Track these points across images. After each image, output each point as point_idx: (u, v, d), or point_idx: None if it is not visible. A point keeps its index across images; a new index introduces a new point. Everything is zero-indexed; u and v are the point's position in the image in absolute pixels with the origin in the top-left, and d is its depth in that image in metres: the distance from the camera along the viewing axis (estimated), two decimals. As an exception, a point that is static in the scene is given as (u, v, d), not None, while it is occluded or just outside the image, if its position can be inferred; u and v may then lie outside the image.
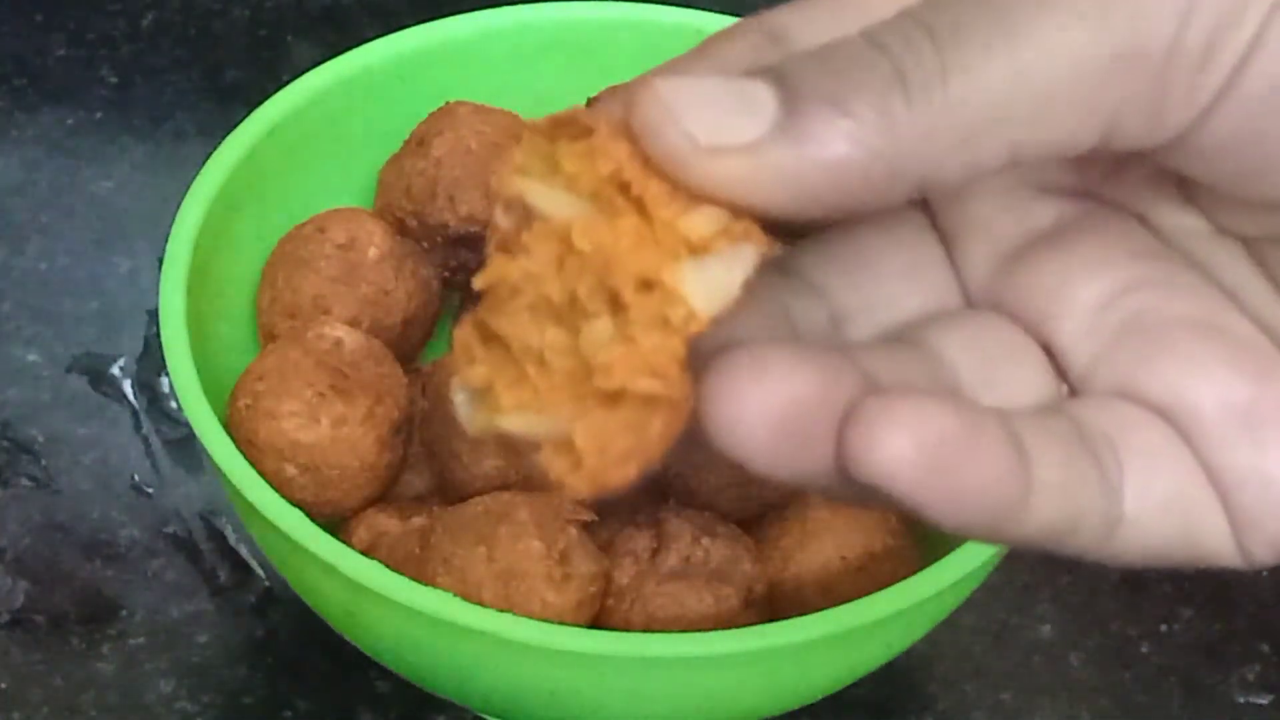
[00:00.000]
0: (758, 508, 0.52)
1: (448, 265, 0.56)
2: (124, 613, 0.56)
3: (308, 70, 0.57)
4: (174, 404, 0.60)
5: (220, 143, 0.54)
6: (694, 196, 0.26)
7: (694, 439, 0.26)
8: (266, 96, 0.56)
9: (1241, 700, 0.56)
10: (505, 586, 0.47)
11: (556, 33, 0.59)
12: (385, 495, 0.52)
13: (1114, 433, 0.28)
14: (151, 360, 0.62)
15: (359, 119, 0.57)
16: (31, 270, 0.65)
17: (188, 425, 0.48)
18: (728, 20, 0.59)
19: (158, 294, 0.50)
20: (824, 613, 0.46)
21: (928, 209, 0.31)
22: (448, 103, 0.57)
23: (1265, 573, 0.59)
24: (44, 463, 0.59)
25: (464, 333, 0.28)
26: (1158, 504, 0.28)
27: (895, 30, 0.26)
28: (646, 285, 0.26)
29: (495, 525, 0.48)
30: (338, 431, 0.50)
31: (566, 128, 0.27)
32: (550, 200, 0.27)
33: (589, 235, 0.27)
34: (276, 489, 0.47)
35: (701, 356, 0.26)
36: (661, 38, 0.59)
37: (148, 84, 0.72)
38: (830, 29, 0.28)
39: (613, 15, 0.59)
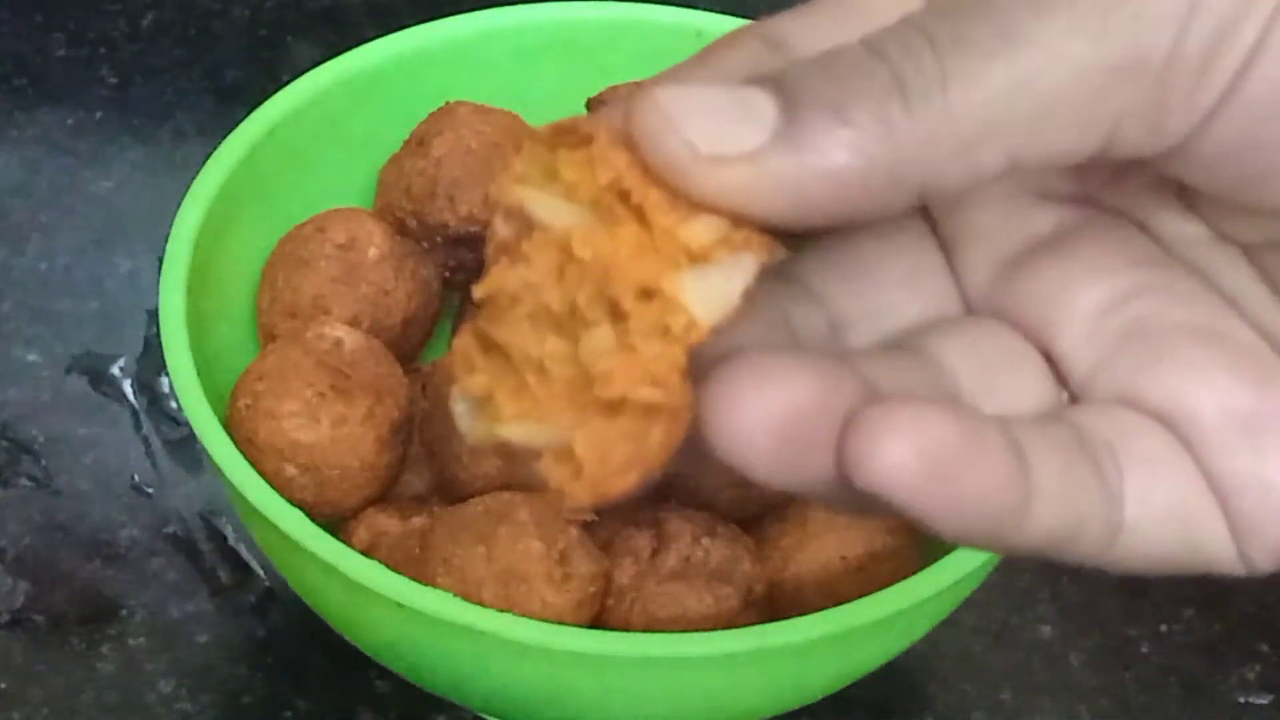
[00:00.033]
0: (758, 508, 0.52)
1: (448, 265, 0.56)
2: (124, 613, 0.56)
3: (308, 70, 0.56)
4: (174, 404, 0.60)
5: (220, 143, 0.54)
6: (694, 205, 0.26)
7: (695, 447, 0.26)
8: (266, 96, 0.56)
9: (1241, 700, 0.56)
10: (505, 586, 0.47)
11: (556, 33, 0.59)
12: (385, 495, 0.52)
13: (1114, 440, 0.28)
14: (151, 360, 0.62)
15: (359, 119, 0.57)
16: (31, 270, 0.65)
17: (188, 425, 0.48)
18: (728, 20, 0.59)
19: (158, 294, 0.50)
20: (824, 613, 0.46)
21: (928, 216, 0.31)
22: (448, 103, 0.57)
23: (1265, 573, 0.59)
24: (44, 463, 0.59)
25: (464, 342, 0.28)
26: (1158, 511, 0.28)
27: (895, 38, 0.26)
28: (647, 294, 0.26)
29: (495, 525, 0.48)
30: (338, 431, 0.50)
31: (566, 136, 0.27)
32: (550, 209, 0.27)
33: (589, 244, 0.27)
34: (276, 489, 0.47)
35: (702, 365, 0.26)
36: (661, 38, 0.59)
37: (148, 84, 0.72)
38: (830, 36, 0.28)
39: (613, 15, 0.59)
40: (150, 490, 0.59)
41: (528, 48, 0.59)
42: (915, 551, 0.51)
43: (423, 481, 0.54)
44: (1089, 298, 0.30)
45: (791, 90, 0.26)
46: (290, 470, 0.49)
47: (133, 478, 0.59)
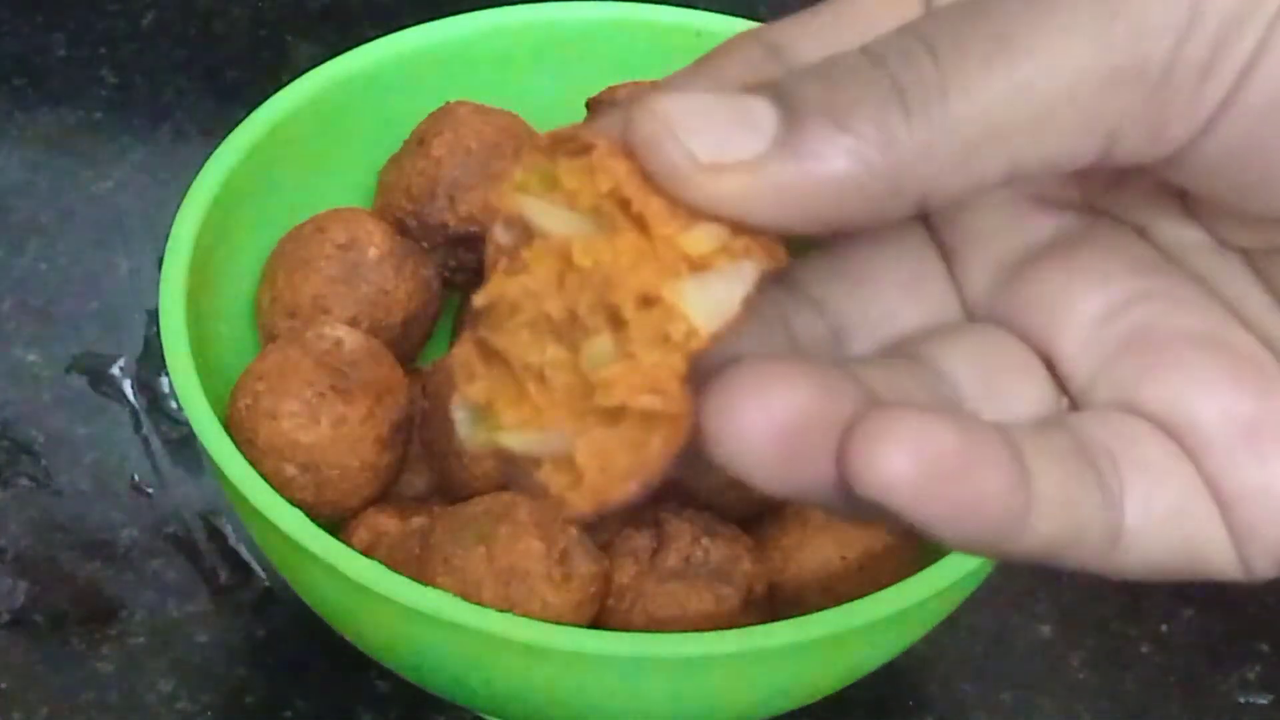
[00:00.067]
0: (758, 508, 0.52)
1: (448, 265, 0.56)
2: (124, 613, 0.56)
3: (308, 70, 0.56)
4: (174, 404, 0.60)
5: (220, 143, 0.54)
6: (694, 213, 0.26)
7: (695, 454, 0.26)
8: (266, 96, 0.56)
9: (1241, 700, 0.56)
10: (505, 586, 0.47)
11: (556, 33, 0.59)
12: (385, 495, 0.52)
13: (1115, 446, 0.28)
14: (151, 360, 0.62)
15: (359, 119, 0.57)
16: (31, 270, 0.65)
17: (188, 425, 0.48)
18: (728, 20, 0.59)
19: (158, 294, 0.50)
20: (824, 613, 0.46)
21: (928, 222, 0.31)
22: (448, 103, 0.57)
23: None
24: (44, 463, 0.59)
25: (464, 350, 0.28)
26: (1159, 517, 0.28)
27: (895, 45, 0.26)
28: (647, 302, 0.26)
29: (495, 525, 0.48)
30: (338, 431, 0.50)
31: (566, 144, 0.27)
32: (550, 217, 0.27)
33: (589, 252, 0.27)
34: (276, 489, 0.47)
35: (702, 372, 0.26)
36: (661, 38, 0.59)
37: (148, 84, 0.72)
38: (830, 43, 0.28)
39: (613, 15, 0.59)
40: (150, 490, 0.59)
41: (528, 48, 0.59)
42: (915, 551, 0.51)
43: (423, 481, 0.54)
44: (1089, 304, 0.30)
45: (791, 98, 0.26)
46: (290, 470, 0.49)
47: (133, 478, 0.59)
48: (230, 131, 0.54)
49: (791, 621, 0.46)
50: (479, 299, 0.28)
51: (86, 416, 0.61)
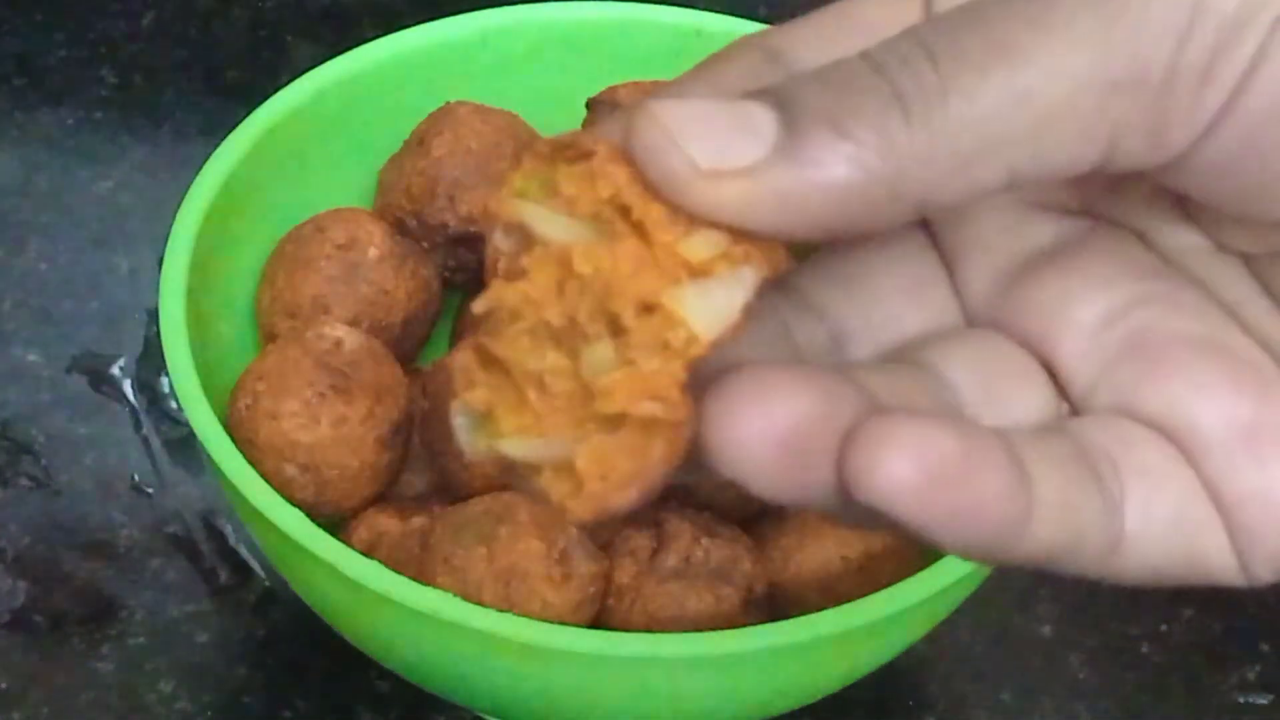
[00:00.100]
0: (758, 508, 0.52)
1: (448, 265, 0.56)
2: (124, 613, 0.56)
3: (308, 70, 0.56)
4: (174, 404, 0.60)
5: (220, 143, 0.54)
6: (694, 220, 0.26)
7: (695, 461, 0.26)
8: (266, 96, 0.56)
9: (1241, 700, 0.56)
10: (505, 586, 0.47)
11: (556, 33, 0.59)
12: (385, 495, 0.52)
13: (1115, 451, 0.28)
14: (151, 360, 0.62)
15: (359, 119, 0.57)
16: (31, 270, 0.65)
17: (188, 425, 0.48)
18: (728, 20, 0.59)
19: (158, 294, 0.50)
20: (824, 613, 0.46)
21: (928, 227, 0.31)
22: (448, 103, 0.57)
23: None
24: (44, 463, 0.59)
25: (464, 357, 0.28)
26: (1160, 523, 0.28)
27: (895, 52, 0.26)
28: (647, 309, 0.26)
29: (495, 525, 0.48)
30: (338, 431, 0.50)
31: (566, 151, 0.27)
32: (550, 224, 0.27)
33: (589, 259, 0.27)
34: (276, 489, 0.47)
35: (702, 379, 0.26)
36: (661, 37, 0.59)
37: (148, 84, 0.72)
38: (830, 49, 0.28)
39: (613, 15, 0.59)
40: (150, 490, 0.59)
41: (528, 48, 0.59)
42: (915, 551, 0.51)
43: (423, 481, 0.54)
44: (1089, 309, 0.30)
45: (791, 104, 0.26)
46: (290, 470, 0.49)
47: (133, 478, 0.59)
48: (230, 131, 0.54)
49: (791, 621, 0.46)
50: (478, 306, 0.28)
51: (86, 416, 0.61)
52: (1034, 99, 0.26)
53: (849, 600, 0.46)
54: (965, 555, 0.27)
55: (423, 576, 0.47)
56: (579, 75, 0.58)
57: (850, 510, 0.26)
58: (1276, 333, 0.29)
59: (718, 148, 0.26)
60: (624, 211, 0.26)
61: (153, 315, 0.60)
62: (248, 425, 0.49)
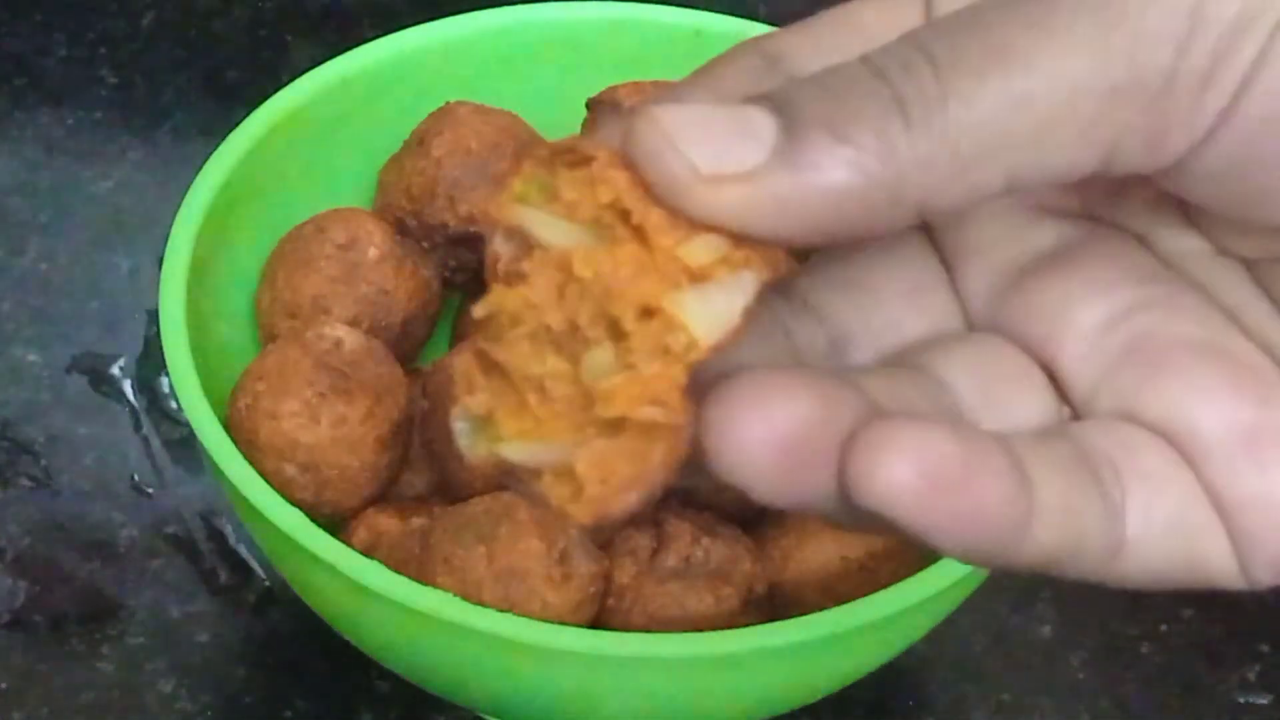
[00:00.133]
0: (758, 508, 0.52)
1: (448, 265, 0.56)
2: (124, 613, 0.56)
3: (308, 70, 0.56)
4: (174, 404, 0.60)
5: (220, 143, 0.54)
6: (694, 224, 0.26)
7: (695, 465, 0.26)
8: (266, 96, 0.56)
9: (1241, 700, 0.56)
10: (505, 586, 0.47)
11: (556, 33, 0.59)
12: (385, 495, 0.52)
13: (1116, 455, 0.28)
14: (151, 360, 0.62)
15: (359, 119, 0.57)
16: (31, 270, 0.65)
17: (188, 425, 0.48)
18: (727, 20, 0.59)
19: (158, 294, 0.50)
20: (824, 613, 0.46)
21: (928, 231, 0.31)
22: (448, 103, 0.57)
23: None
24: (44, 463, 0.59)
25: (464, 361, 0.28)
26: (1160, 527, 0.28)
27: (895, 56, 0.26)
28: (647, 313, 0.26)
29: (495, 525, 0.48)
30: (338, 431, 0.50)
31: (566, 156, 0.27)
32: (550, 229, 0.27)
33: (589, 263, 0.27)
34: (276, 489, 0.47)
35: (702, 383, 0.26)
36: (661, 37, 0.59)
37: (148, 84, 0.72)
38: (829, 53, 0.28)
39: (613, 15, 0.59)
40: (150, 490, 0.59)
41: (528, 48, 0.59)
42: (915, 552, 0.51)
43: (423, 481, 0.54)
44: (1090, 313, 0.30)
45: (791, 109, 0.26)
46: (290, 470, 0.49)
47: (133, 478, 0.59)
48: (230, 131, 0.54)
49: (791, 621, 0.46)
50: (479, 310, 0.28)
51: (86, 416, 0.61)
52: (1034, 103, 0.26)
53: (849, 600, 0.46)
54: (966, 559, 0.27)
55: (423, 576, 0.47)
56: (579, 75, 0.58)
57: (850, 514, 0.26)
58: (1277, 336, 0.29)
59: (717, 152, 0.26)
60: (624, 216, 0.26)
61: (153, 315, 0.60)
62: (248, 425, 0.49)
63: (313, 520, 0.47)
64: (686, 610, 0.49)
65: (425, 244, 0.56)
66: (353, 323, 0.53)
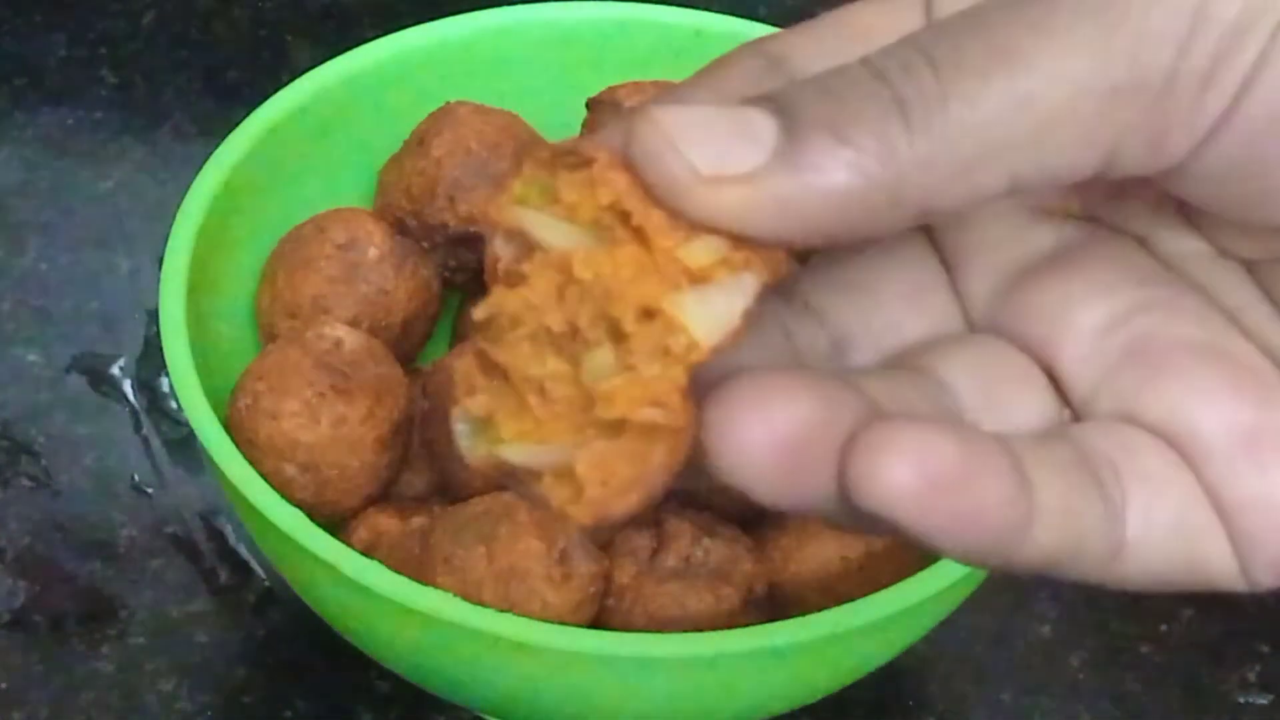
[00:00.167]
0: (758, 508, 0.52)
1: (448, 265, 0.56)
2: (124, 613, 0.56)
3: (308, 70, 0.57)
4: (174, 404, 0.60)
5: (220, 143, 0.54)
6: (694, 225, 0.26)
7: (696, 466, 0.26)
8: (266, 96, 0.56)
9: (1241, 700, 0.56)
10: (505, 586, 0.47)
11: (556, 33, 0.59)
12: (385, 495, 0.52)
13: (1117, 457, 0.28)
14: (151, 360, 0.62)
15: (359, 119, 0.57)
16: (31, 270, 0.65)
17: (188, 425, 0.48)
18: (727, 20, 0.59)
19: (158, 294, 0.50)
20: (824, 613, 0.46)
21: (929, 233, 0.31)
22: (448, 103, 0.57)
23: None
24: (44, 463, 0.59)
25: (464, 363, 0.28)
26: (1161, 528, 0.28)
27: (896, 58, 0.26)
28: (647, 315, 0.26)
29: (495, 525, 0.48)
30: (338, 431, 0.50)
31: (566, 158, 0.27)
32: (550, 230, 0.27)
33: (590, 265, 0.27)
34: (276, 489, 0.47)
35: (703, 384, 0.26)
36: (661, 38, 0.59)
37: (148, 84, 0.72)
38: (830, 55, 0.28)
39: (612, 15, 0.59)
40: (150, 490, 0.59)
41: (528, 48, 0.59)
42: (915, 552, 0.51)
43: (423, 481, 0.54)
44: (1091, 314, 0.30)
45: (791, 110, 0.26)
46: (290, 470, 0.49)
47: (133, 478, 0.59)
48: (230, 131, 0.54)
49: (791, 621, 0.46)
50: (479, 312, 0.28)
51: (86, 416, 0.61)
52: (1035, 104, 0.26)
53: (849, 600, 0.46)
54: (966, 561, 0.27)
55: (423, 576, 0.47)
56: (579, 75, 0.58)
57: (850, 516, 0.26)
58: (1277, 338, 0.29)
59: (718, 154, 0.26)
60: (624, 218, 0.26)
61: (153, 315, 0.60)
62: (248, 425, 0.49)
63: (313, 520, 0.47)
64: (686, 610, 0.49)
65: (425, 244, 0.56)
66: (353, 323, 0.53)
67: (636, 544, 0.50)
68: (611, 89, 0.57)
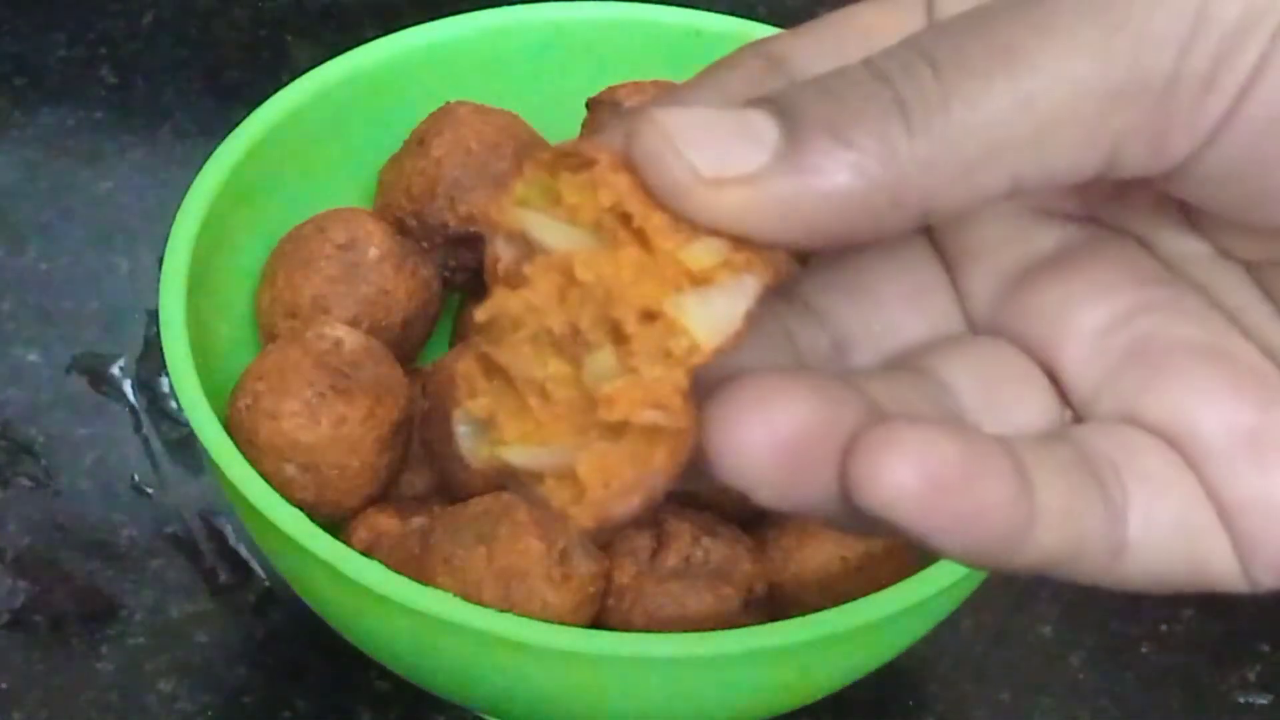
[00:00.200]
0: (758, 508, 0.52)
1: (448, 265, 0.56)
2: (124, 613, 0.56)
3: (308, 70, 0.57)
4: (174, 404, 0.60)
5: (220, 143, 0.54)
6: (696, 227, 0.26)
7: (697, 468, 0.26)
8: (266, 96, 0.56)
9: (1241, 700, 0.56)
10: (505, 586, 0.47)
11: (556, 33, 0.59)
12: (385, 495, 0.52)
13: (1118, 458, 0.28)
14: (151, 360, 0.62)
15: (359, 119, 0.57)
16: (31, 270, 0.65)
17: (188, 425, 0.49)
18: (728, 20, 0.59)
19: (158, 294, 0.50)
20: (824, 613, 0.46)
21: (931, 234, 0.31)
22: (448, 103, 0.57)
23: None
24: (44, 463, 0.60)
25: (466, 364, 0.28)
26: (1162, 530, 0.28)
27: (897, 59, 0.26)
28: (649, 317, 0.26)
29: (495, 525, 0.48)
30: (338, 431, 0.50)
31: (567, 159, 0.27)
32: (552, 232, 0.27)
33: (591, 267, 0.27)
34: (276, 489, 0.47)
35: (704, 386, 0.26)
36: (661, 37, 0.59)
37: (148, 84, 0.72)
38: (831, 56, 0.28)
39: (613, 15, 0.59)
40: (150, 490, 0.59)
41: (528, 48, 0.59)
42: (915, 552, 0.51)
43: (423, 481, 0.54)
44: (1092, 316, 0.30)
45: (793, 111, 0.26)
46: (290, 470, 0.49)
47: (133, 478, 0.59)
48: (230, 131, 0.54)
49: (791, 621, 0.46)
50: (480, 314, 0.28)
51: (86, 416, 0.61)
52: (1036, 105, 0.26)
53: (849, 600, 0.46)
54: (967, 562, 0.27)
55: (423, 576, 0.47)
56: (579, 75, 0.58)
57: (852, 517, 0.26)
58: (1278, 339, 0.29)
59: (719, 155, 0.26)
60: (626, 219, 0.26)
61: (153, 315, 0.60)
62: (248, 425, 0.49)
63: (313, 520, 0.47)
64: (686, 610, 0.49)
65: (425, 244, 0.56)
66: (353, 323, 0.53)
67: (636, 544, 0.50)
68: (611, 89, 0.57)
